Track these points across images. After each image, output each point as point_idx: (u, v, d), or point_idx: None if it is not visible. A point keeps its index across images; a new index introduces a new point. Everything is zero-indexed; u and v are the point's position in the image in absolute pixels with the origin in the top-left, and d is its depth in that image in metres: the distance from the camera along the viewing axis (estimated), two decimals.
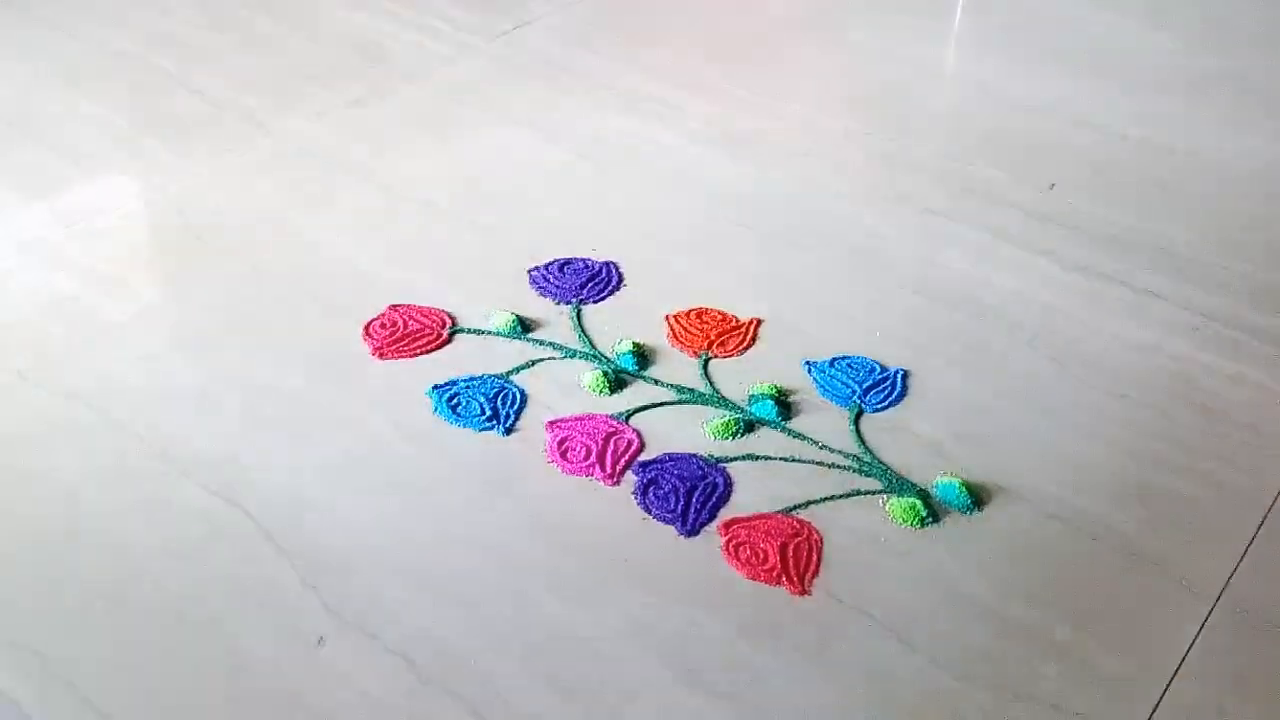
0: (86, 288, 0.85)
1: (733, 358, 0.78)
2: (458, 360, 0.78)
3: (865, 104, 1.08)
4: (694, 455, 0.71)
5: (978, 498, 0.68)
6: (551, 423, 0.73)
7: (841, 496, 0.68)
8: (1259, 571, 0.64)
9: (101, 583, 0.63)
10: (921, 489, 0.68)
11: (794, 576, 0.63)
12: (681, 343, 0.79)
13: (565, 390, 0.76)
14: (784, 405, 0.74)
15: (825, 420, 0.74)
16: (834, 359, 0.78)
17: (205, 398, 0.75)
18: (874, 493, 0.68)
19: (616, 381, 0.76)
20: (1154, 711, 0.57)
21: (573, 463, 0.70)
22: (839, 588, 0.63)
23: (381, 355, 0.78)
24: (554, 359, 0.78)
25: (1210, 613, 0.62)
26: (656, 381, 0.76)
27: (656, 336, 0.80)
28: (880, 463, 0.70)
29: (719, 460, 0.70)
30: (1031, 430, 0.73)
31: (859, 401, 0.75)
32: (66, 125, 1.05)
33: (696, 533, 0.66)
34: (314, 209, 0.93)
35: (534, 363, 0.78)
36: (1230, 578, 0.64)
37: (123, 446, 0.71)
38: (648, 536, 0.66)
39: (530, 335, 0.80)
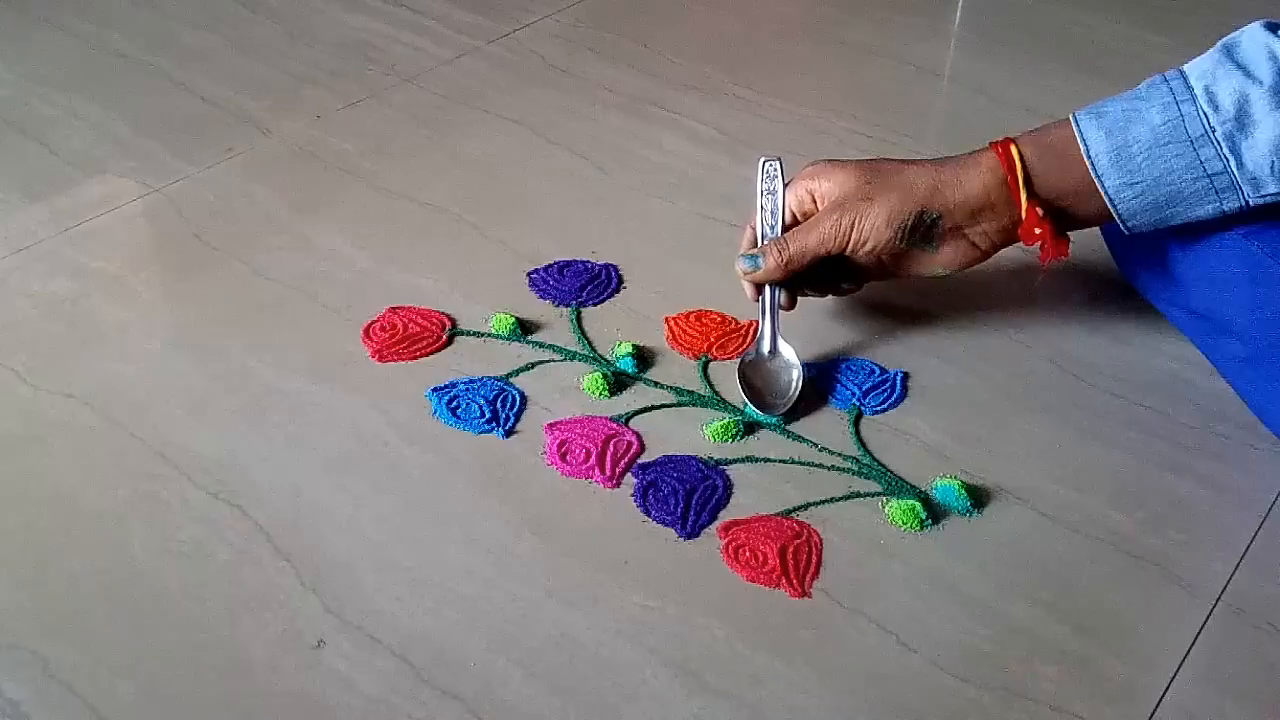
0: (86, 288, 0.85)
1: (732, 360, 0.78)
2: (457, 362, 0.78)
3: (865, 104, 1.08)
4: (693, 457, 0.71)
5: (977, 499, 0.68)
6: (551, 425, 0.73)
7: (841, 499, 0.68)
8: (1258, 572, 0.64)
9: (100, 583, 0.63)
10: (921, 491, 0.68)
11: (793, 578, 0.63)
12: (681, 345, 0.80)
13: (565, 392, 0.76)
14: None
15: (825, 422, 0.74)
16: (833, 360, 0.78)
17: (205, 398, 0.75)
18: (873, 495, 0.69)
19: (616, 384, 0.76)
20: (1154, 712, 0.57)
21: (572, 465, 0.70)
22: (838, 590, 0.63)
23: (381, 357, 0.78)
24: (553, 361, 0.78)
25: (1210, 613, 0.62)
26: (656, 384, 0.76)
27: (656, 339, 0.80)
28: (879, 465, 0.70)
29: (718, 462, 0.71)
30: (1031, 431, 0.73)
31: (858, 404, 0.75)
32: (65, 125, 1.05)
33: (696, 535, 0.66)
34: (314, 210, 0.93)
35: (533, 365, 0.78)
36: (1230, 578, 0.64)
37: (122, 447, 0.71)
38: (647, 538, 0.66)
39: (530, 338, 0.80)
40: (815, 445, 0.72)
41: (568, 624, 0.61)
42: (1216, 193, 0.65)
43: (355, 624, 0.61)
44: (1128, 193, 0.66)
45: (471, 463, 0.71)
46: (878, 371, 0.77)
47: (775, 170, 0.76)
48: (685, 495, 0.68)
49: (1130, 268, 0.80)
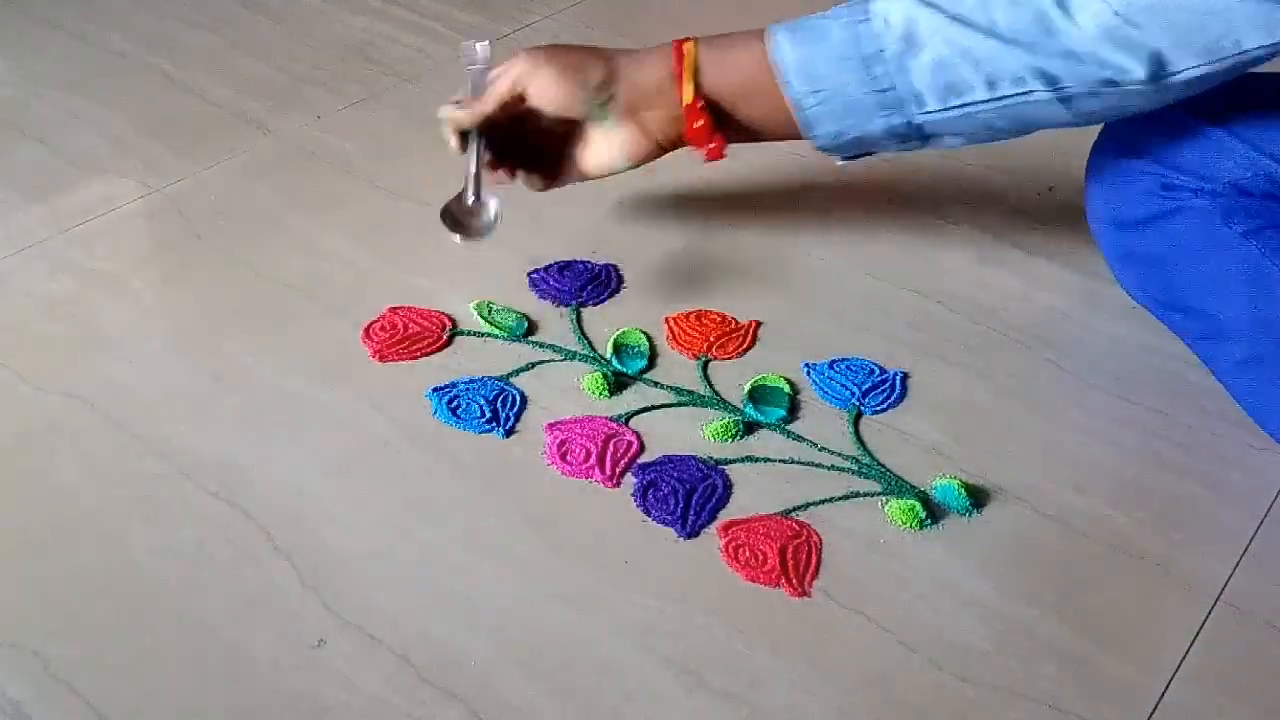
0: (86, 288, 0.85)
1: (732, 359, 0.78)
2: (457, 362, 0.78)
3: None
4: (693, 457, 0.71)
5: (977, 499, 0.68)
6: (551, 425, 0.73)
7: (840, 498, 0.68)
8: (1258, 572, 0.64)
9: (101, 583, 0.63)
10: (920, 490, 0.69)
11: (793, 578, 0.63)
12: (681, 345, 0.80)
13: (565, 392, 0.76)
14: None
15: (824, 422, 0.74)
16: (833, 361, 0.78)
17: (205, 399, 0.75)
18: (873, 494, 0.69)
19: (616, 384, 0.76)
20: (1153, 711, 0.58)
21: (572, 465, 0.70)
22: (838, 589, 0.63)
23: (381, 357, 0.78)
24: (553, 361, 0.78)
25: (1209, 613, 0.62)
26: (656, 384, 0.77)
27: (656, 338, 0.80)
28: (879, 464, 0.70)
29: (718, 462, 0.71)
30: (1031, 431, 0.73)
31: (858, 403, 0.75)
32: (66, 126, 1.05)
33: (696, 534, 0.66)
34: (314, 210, 0.93)
35: (533, 365, 0.78)
36: (1229, 578, 0.64)
37: (122, 447, 0.71)
38: (647, 538, 0.66)
39: (530, 338, 0.80)
40: (815, 445, 0.72)
41: (567, 623, 0.61)
42: (885, 108, 0.68)
43: (355, 623, 0.61)
44: (810, 101, 0.69)
45: (472, 463, 0.71)
46: (877, 371, 0.77)
47: (473, 51, 0.81)
48: (685, 495, 0.68)
49: (1125, 272, 0.80)
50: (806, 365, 0.78)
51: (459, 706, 0.57)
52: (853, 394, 0.75)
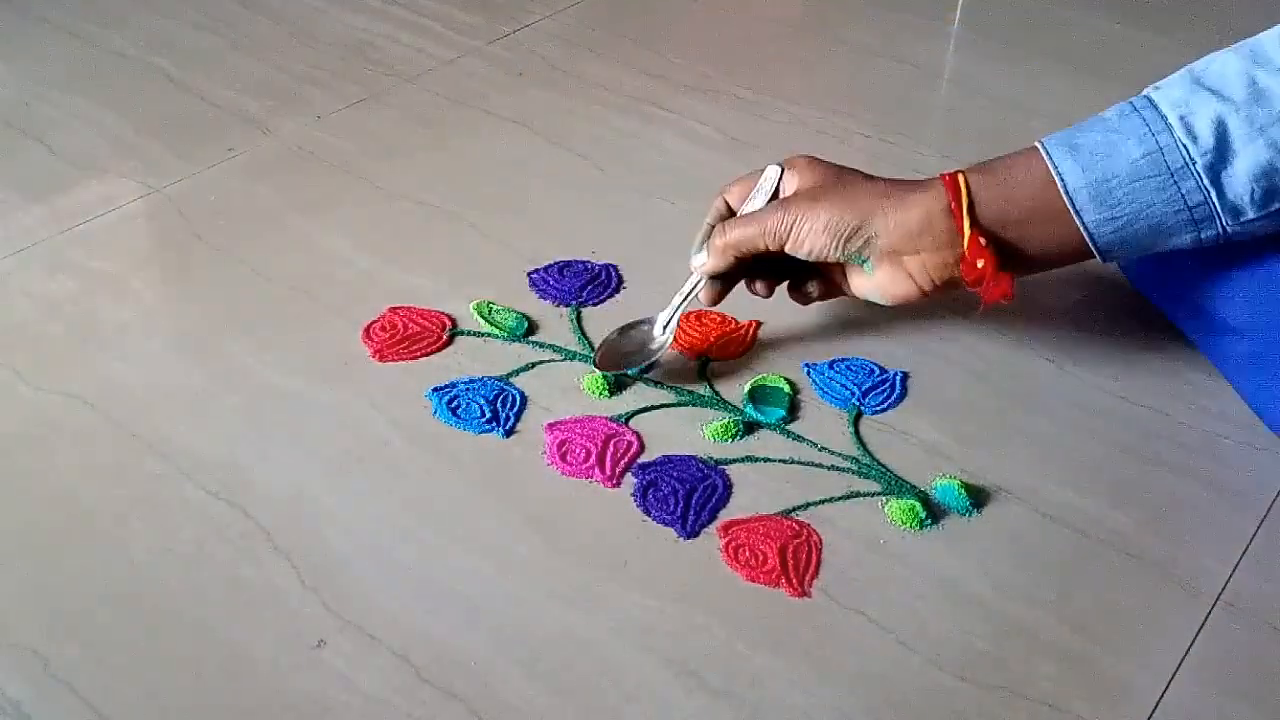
0: (86, 288, 0.85)
1: (732, 360, 0.78)
2: (457, 362, 0.78)
3: (865, 104, 1.08)
4: (693, 457, 0.71)
5: (977, 499, 0.68)
6: (551, 425, 0.73)
7: (840, 498, 0.68)
8: (1258, 572, 0.64)
9: (101, 583, 0.63)
10: (920, 490, 0.69)
11: (793, 578, 0.63)
12: (681, 345, 0.80)
13: (565, 392, 0.76)
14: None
15: (824, 422, 0.74)
16: (833, 361, 0.78)
17: (205, 398, 0.75)
18: (873, 494, 0.69)
19: (616, 384, 0.76)
20: (1153, 711, 0.57)
21: (572, 465, 0.70)
22: (838, 589, 0.63)
23: (381, 357, 0.78)
24: (554, 361, 0.78)
25: (1209, 613, 0.62)
26: (656, 384, 0.77)
27: None
28: (879, 464, 0.70)
29: (718, 462, 0.71)
30: (1031, 431, 0.73)
31: (858, 403, 0.75)
32: (66, 126, 1.05)
33: (696, 534, 0.66)
34: (314, 210, 0.93)
35: (533, 365, 0.78)
36: (1229, 578, 0.64)
37: (122, 447, 0.71)
38: (647, 538, 0.66)
39: (530, 338, 0.80)
40: (815, 445, 0.72)
41: (567, 624, 0.61)
42: (1195, 223, 0.64)
43: (356, 624, 0.61)
44: (1107, 227, 0.64)
45: (472, 463, 0.71)
46: (877, 371, 0.77)
47: (775, 174, 0.74)
48: (685, 495, 0.68)
49: (1132, 265, 0.80)
50: (806, 365, 0.78)
51: (459, 706, 0.57)
52: (853, 394, 0.75)
